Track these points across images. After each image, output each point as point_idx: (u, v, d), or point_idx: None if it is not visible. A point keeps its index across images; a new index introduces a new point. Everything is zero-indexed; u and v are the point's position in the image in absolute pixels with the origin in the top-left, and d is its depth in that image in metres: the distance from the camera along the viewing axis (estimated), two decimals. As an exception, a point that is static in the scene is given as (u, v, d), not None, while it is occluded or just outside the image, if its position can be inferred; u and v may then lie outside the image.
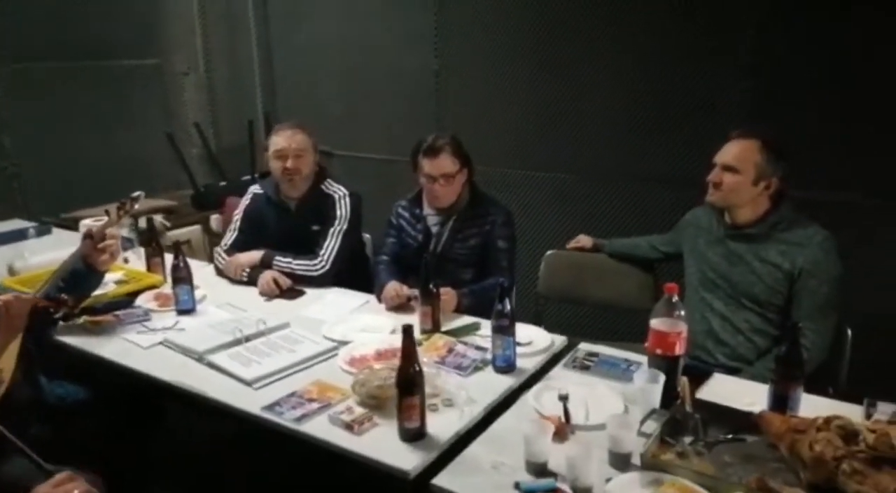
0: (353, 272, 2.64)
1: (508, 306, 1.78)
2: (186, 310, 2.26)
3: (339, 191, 2.68)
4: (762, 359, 2.05)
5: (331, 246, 2.57)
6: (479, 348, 1.94)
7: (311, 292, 2.48)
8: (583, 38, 3.13)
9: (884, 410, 1.56)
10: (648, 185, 3.03)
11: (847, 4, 2.51)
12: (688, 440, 1.47)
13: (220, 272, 2.66)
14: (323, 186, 2.69)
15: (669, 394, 1.59)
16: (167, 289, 2.41)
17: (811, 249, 2.00)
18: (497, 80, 3.44)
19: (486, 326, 2.10)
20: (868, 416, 1.54)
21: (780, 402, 1.54)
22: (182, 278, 2.25)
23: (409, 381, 1.48)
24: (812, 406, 1.56)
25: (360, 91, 3.95)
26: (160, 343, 2.04)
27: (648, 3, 2.95)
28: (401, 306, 2.29)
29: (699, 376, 1.78)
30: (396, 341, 1.99)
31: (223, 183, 4.26)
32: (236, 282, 2.57)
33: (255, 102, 4.49)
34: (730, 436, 1.50)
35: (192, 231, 3.72)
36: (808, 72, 2.60)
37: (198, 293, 2.32)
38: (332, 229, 2.60)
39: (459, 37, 3.54)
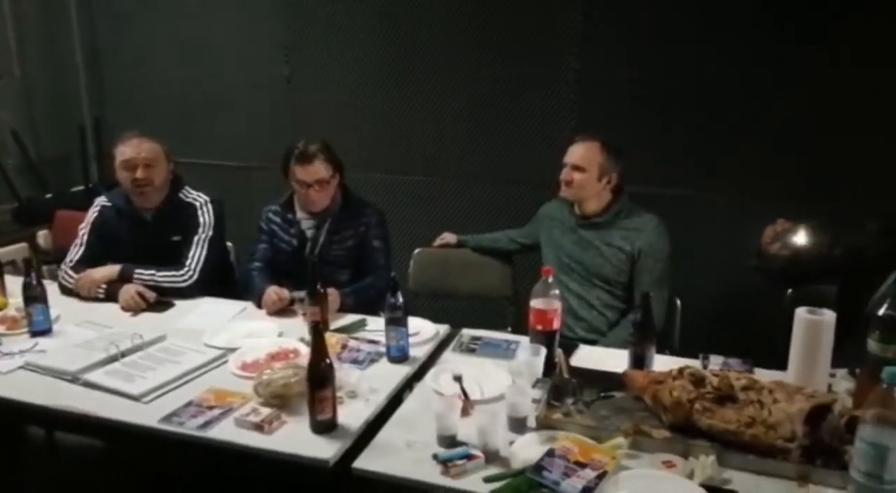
0: (219, 281, 2.58)
1: (401, 299, 1.88)
2: (42, 331, 2.08)
3: (199, 198, 2.60)
4: (613, 330, 2.36)
5: (197, 255, 2.49)
6: (371, 341, 2.02)
7: (181, 304, 2.38)
8: (434, 43, 3.31)
9: (715, 361, 1.91)
10: (503, 184, 3.29)
11: (665, 22, 2.94)
12: (570, 401, 1.68)
13: (67, 290, 2.46)
14: (181, 195, 2.60)
15: (549, 364, 1.80)
16: (12, 311, 2.19)
17: (647, 233, 2.34)
18: (351, 86, 3.51)
19: (371, 321, 2.19)
20: (704, 367, 1.86)
21: (639, 361, 1.82)
22: (36, 296, 2.07)
23: (322, 375, 1.53)
24: (661, 364, 1.85)
25: (206, 97, 3.79)
26: (21, 368, 1.86)
27: (488, 24, 3.21)
28: (282, 310, 2.29)
29: (569, 347, 2.02)
30: (287, 343, 2.04)
31: (49, 195, 3.86)
32: (89, 299, 2.40)
33: (81, 107, 4.12)
34: (602, 394, 1.73)
35: (17, 250, 3.33)
36: (628, 85, 3.01)
37: (52, 312, 2.14)
38: (196, 238, 2.52)
39: (311, 42, 3.55)
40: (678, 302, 2.45)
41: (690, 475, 1.39)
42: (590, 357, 2.00)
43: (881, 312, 1.58)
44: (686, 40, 2.91)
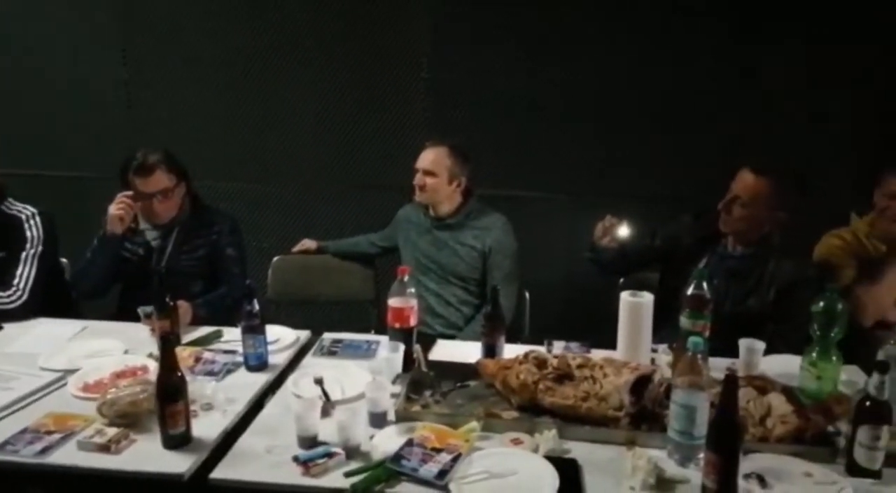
0: (54, 300, 2.39)
1: (257, 307, 1.87)
2: None
3: (25, 210, 2.39)
4: (469, 324, 2.49)
5: (25, 273, 2.29)
6: (227, 352, 1.98)
7: (10, 328, 2.18)
8: (287, 46, 3.27)
9: (558, 345, 2.08)
10: (363, 190, 3.32)
11: (509, 32, 3.13)
12: (428, 393, 1.76)
13: None
14: (4, 207, 2.38)
15: (408, 360, 1.88)
16: None
17: (495, 231, 2.50)
18: (198, 90, 3.37)
19: (228, 332, 2.14)
20: (548, 351, 2.02)
21: (491, 350, 1.94)
22: None
23: (172, 389, 1.49)
24: (512, 351, 1.98)
25: (34, 101, 3.46)
26: None
27: (339, 32, 3.23)
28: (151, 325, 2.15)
29: (428, 343, 2.11)
30: (132, 360, 1.95)
31: None
32: None
33: None
34: (458, 384, 1.83)
35: None
36: (476, 93, 3.18)
37: None
38: (24, 254, 2.32)
39: (150, 43, 3.36)
40: (527, 294, 2.63)
41: (535, 449, 1.52)
42: (447, 351, 2.10)
43: (689, 292, 1.82)
44: (528, 49, 3.13)
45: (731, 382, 1.31)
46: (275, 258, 2.88)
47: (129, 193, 2.32)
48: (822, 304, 1.69)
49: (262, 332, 1.90)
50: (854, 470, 1.42)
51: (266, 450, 1.52)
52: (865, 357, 1.77)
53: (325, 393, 1.73)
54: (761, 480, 1.38)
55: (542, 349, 1.98)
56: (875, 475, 1.40)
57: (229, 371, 1.89)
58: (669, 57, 3.04)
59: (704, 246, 2.29)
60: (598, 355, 1.91)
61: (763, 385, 1.65)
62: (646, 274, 2.51)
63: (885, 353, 1.57)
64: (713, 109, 3.04)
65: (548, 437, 1.54)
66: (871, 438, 1.39)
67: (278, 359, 1.99)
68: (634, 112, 3.10)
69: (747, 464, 1.42)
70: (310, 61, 3.28)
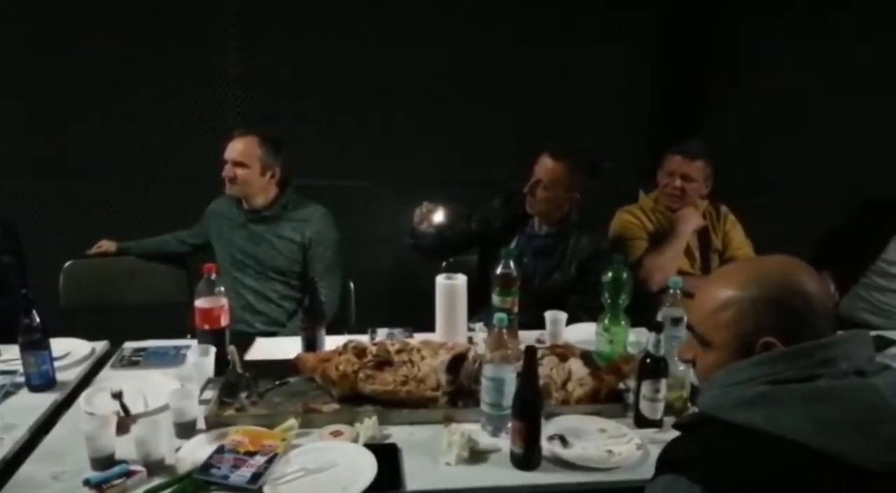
0: None
1: (37, 319, 1.66)
2: None
3: None
4: (292, 319, 2.41)
5: None
6: (4, 372, 1.74)
7: None
8: (88, 30, 2.98)
9: (382, 333, 2.09)
10: (169, 184, 3.08)
11: (322, 20, 3.05)
12: (244, 395, 1.68)
13: None
14: None
15: (221, 362, 1.77)
16: None
17: (315, 222, 2.44)
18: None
19: (6, 350, 1.88)
20: (372, 338, 2.03)
21: (311, 344, 1.90)
22: None
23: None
24: (335, 344, 1.95)
25: None
26: None
27: (142, 14, 2.97)
28: None
29: (245, 342, 2.01)
30: None
31: None
32: None
33: None
34: (277, 383, 1.77)
35: None
36: (291, 81, 3.08)
37: None
38: None
39: None
40: (351, 285, 2.61)
41: (356, 439, 1.51)
42: (267, 349, 2.03)
43: (498, 271, 1.92)
44: (341, 35, 3.08)
45: (530, 354, 1.39)
46: (66, 264, 2.58)
47: None
48: (610, 274, 1.86)
49: (46, 347, 1.69)
50: (640, 422, 1.58)
51: (52, 477, 1.36)
52: (653, 320, 1.99)
53: (124, 408, 1.58)
54: (563, 440, 1.49)
55: (364, 339, 1.98)
56: (657, 424, 1.57)
57: (8, 393, 1.66)
58: (481, 50, 3.16)
59: (515, 227, 2.42)
60: (420, 338, 1.95)
61: (564, 352, 1.78)
62: (467, 257, 2.61)
63: (663, 314, 1.77)
64: (520, 100, 3.22)
65: (368, 425, 1.54)
66: (653, 391, 1.55)
67: (69, 375, 1.79)
68: (450, 101, 3.18)
69: (551, 427, 1.53)
70: (111, 47, 2.98)
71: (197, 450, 1.44)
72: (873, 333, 2.16)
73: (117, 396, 1.61)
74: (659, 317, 1.75)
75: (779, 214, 3.07)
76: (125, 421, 1.52)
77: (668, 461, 0.93)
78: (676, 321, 1.75)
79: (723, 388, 0.94)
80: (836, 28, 3.19)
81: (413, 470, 1.41)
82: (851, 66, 3.20)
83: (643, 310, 2.03)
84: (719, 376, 0.96)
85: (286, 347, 1.99)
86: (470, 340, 2.00)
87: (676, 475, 0.88)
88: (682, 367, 1.59)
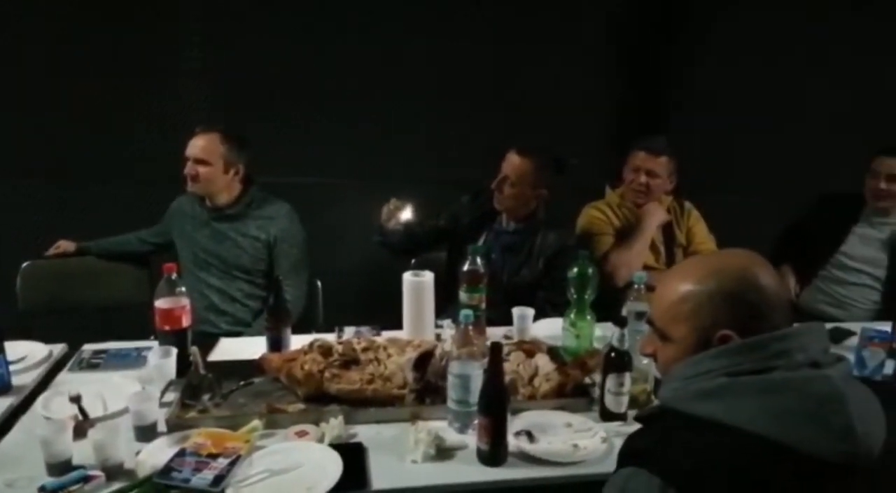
0: None
1: (-11, 322, 1.60)
2: None
3: None
4: (257, 319, 2.38)
5: None
6: (-45, 378, 1.68)
7: None
8: (39, 20, 2.89)
9: (349, 331, 2.07)
10: (130, 183, 3.00)
11: (281, 18, 3.01)
12: (206, 397, 1.65)
13: None
14: None
15: (184, 364, 1.74)
16: None
17: (280, 220, 2.41)
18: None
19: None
20: (339, 337, 2.01)
21: (276, 344, 1.87)
22: None
23: None
24: (301, 343, 1.93)
25: None
26: None
27: (104, 11, 2.91)
28: None
29: (208, 343, 1.97)
30: None
31: None
32: None
33: None
34: (242, 383, 1.74)
35: None
36: (256, 78, 3.03)
37: None
38: None
39: None
40: (319, 283, 2.58)
41: (322, 439, 1.49)
42: (232, 349, 2.00)
43: (465, 268, 1.91)
44: (307, 33, 3.04)
45: (496, 350, 1.39)
46: (24, 265, 2.50)
47: None
48: (575, 269, 1.87)
49: (1, 350, 1.64)
50: (606, 415, 1.59)
51: (6, 484, 1.32)
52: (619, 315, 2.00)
53: (82, 411, 1.54)
54: (529, 435, 1.50)
55: (330, 337, 1.96)
56: (622, 417, 1.58)
57: (-40, 400, 1.61)
58: (448, 48, 3.15)
59: (483, 223, 2.43)
60: (388, 335, 1.94)
61: (531, 348, 1.79)
62: (436, 254, 2.60)
63: (627, 309, 1.79)
64: (486, 97, 3.22)
65: (334, 424, 1.52)
66: (617, 384, 1.57)
67: (25, 379, 1.74)
68: (417, 99, 3.16)
69: (518, 422, 1.53)
70: (74, 40, 2.91)
71: (158, 453, 1.41)
72: (831, 325, 2.23)
73: (75, 399, 1.56)
74: (623, 311, 1.77)
75: (741, 208, 3.13)
76: (82, 425, 1.48)
77: (629, 453, 0.93)
78: (640, 315, 1.77)
79: (682, 380, 0.95)
80: (796, 26, 3.26)
81: (379, 469, 1.40)
82: (812, 62, 3.27)
83: (610, 305, 2.05)
84: (679, 369, 0.97)
85: (251, 347, 1.96)
86: (438, 337, 1.99)
87: (637, 468, 0.88)
88: (645, 361, 1.61)
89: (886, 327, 1.94)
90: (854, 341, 1.96)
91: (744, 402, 0.88)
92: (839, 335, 2.15)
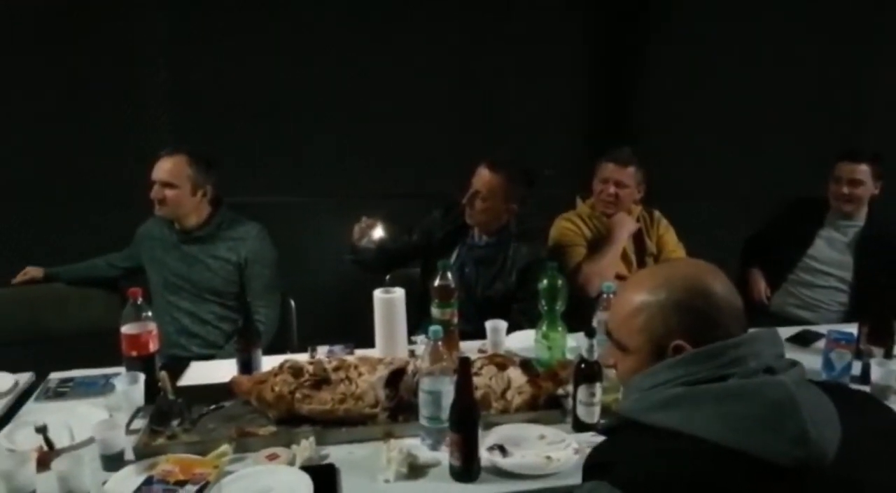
0: None
1: (-51, 354, 1.57)
2: None
3: None
4: (230, 341, 2.35)
5: None
6: (-85, 413, 1.64)
7: None
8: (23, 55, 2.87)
9: (322, 350, 2.06)
10: (96, 206, 2.96)
11: (252, 36, 3.01)
12: (175, 422, 1.62)
13: None
14: None
15: (152, 390, 1.71)
16: None
17: (251, 241, 2.39)
18: None
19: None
20: (312, 356, 1.99)
21: (247, 366, 1.85)
22: None
23: None
24: (273, 364, 1.91)
25: None
26: None
27: (66, 29, 2.88)
28: None
29: (178, 367, 1.95)
30: None
31: None
32: None
33: None
34: (212, 407, 1.71)
35: None
36: (222, 97, 3.02)
37: None
38: None
39: None
40: (292, 303, 2.56)
41: (293, 462, 1.48)
42: (203, 373, 1.97)
43: (436, 283, 1.92)
44: (271, 50, 3.04)
45: (464, 364, 1.39)
46: (-12, 293, 2.46)
47: None
48: (545, 281, 1.88)
49: (-39, 383, 1.61)
50: (578, 426, 1.59)
51: (-37, 523, 1.28)
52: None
53: (48, 442, 1.51)
54: (502, 449, 1.49)
55: (302, 357, 1.94)
56: (594, 427, 1.58)
57: (-80, 435, 1.57)
58: (415, 61, 3.17)
59: (455, 238, 2.43)
60: (361, 354, 1.92)
61: (503, 362, 1.79)
62: (411, 270, 2.60)
63: (597, 319, 1.80)
64: (456, 111, 3.24)
65: (305, 446, 1.51)
66: (588, 395, 1.57)
67: (-11, 411, 1.70)
68: (386, 114, 3.17)
69: (491, 437, 1.53)
70: (35, 60, 2.88)
71: (125, 482, 1.39)
72: (801, 328, 2.26)
73: (41, 430, 1.54)
74: (594, 322, 1.78)
75: (710, 216, 3.18)
76: (46, 457, 1.45)
77: (592, 466, 0.94)
78: (610, 325, 1.78)
79: (641, 391, 0.96)
80: (761, 37, 3.33)
81: (351, 490, 1.39)
82: (777, 73, 3.35)
83: (584, 315, 2.06)
84: (637, 380, 0.98)
85: (223, 370, 1.93)
86: (412, 353, 1.98)
87: (599, 482, 0.88)
88: (612, 372, 1.61)
89: (852, 329, 1.97)
90: (822, 343, 1.99)
91: (701, 410, 0.88)
92: (808, 338, 2.18)
